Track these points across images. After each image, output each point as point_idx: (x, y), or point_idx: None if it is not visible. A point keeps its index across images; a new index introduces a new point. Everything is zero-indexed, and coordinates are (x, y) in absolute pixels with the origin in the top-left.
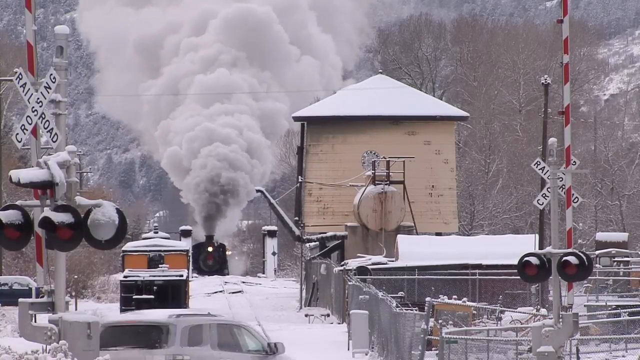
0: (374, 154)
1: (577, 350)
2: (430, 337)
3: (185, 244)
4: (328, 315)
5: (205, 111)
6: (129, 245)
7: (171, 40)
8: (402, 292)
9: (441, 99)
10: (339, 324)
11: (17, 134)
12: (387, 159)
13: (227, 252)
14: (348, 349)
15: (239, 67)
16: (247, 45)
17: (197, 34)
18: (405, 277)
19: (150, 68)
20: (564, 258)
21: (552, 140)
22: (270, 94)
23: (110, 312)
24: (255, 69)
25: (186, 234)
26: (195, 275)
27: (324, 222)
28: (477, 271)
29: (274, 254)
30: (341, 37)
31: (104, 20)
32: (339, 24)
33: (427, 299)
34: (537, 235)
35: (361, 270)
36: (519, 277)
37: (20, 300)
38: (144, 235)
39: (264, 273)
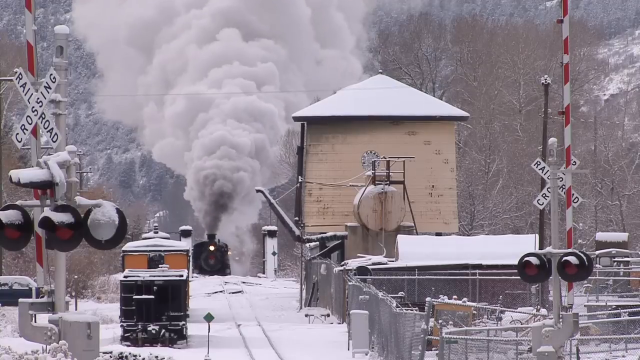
0: (374, 154)
1: (577, 350)
2: (430, 337)
3: (185, 244)
4: (328, 315)
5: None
6: (129, 245)
7: (167, 31)
8: (402, 292)
9: (441, 99)
10: (339, 324)
11: (17, 134)
12: (387, 159)
13: (228, 252)
14: (348, 349)
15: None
16: (264, 23)
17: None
18: (405, 277)
19: (148, 62)
20: (564, 258)
21: (552, 140)
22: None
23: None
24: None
25: (186, 234)
26: (195, 275)
27: (324, 222)
28: (477, 271)
29: (274, 254)
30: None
31: (99, 14)
32: (349, 24)
33: (427, 299)
34: (537, 235)
35: (361, 270)
36: (519, 277)
37: (20, 300)
38: (144, 235)
39: (264, 273)
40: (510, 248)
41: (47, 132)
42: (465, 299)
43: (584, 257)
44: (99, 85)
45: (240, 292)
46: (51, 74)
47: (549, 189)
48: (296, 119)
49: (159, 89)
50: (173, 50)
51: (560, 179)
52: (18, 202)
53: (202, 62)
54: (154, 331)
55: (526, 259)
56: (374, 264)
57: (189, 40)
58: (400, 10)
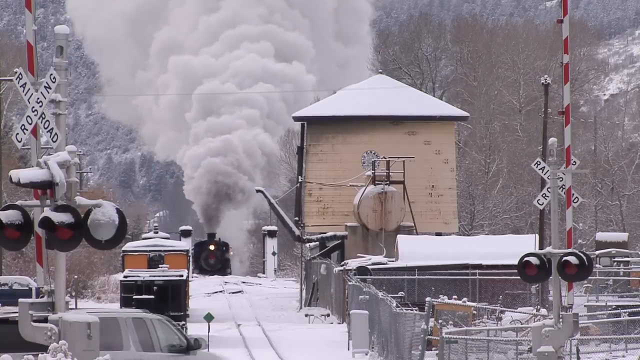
0: (374, 154)
1: (577, 350)
2: (430, 337)
3: (185, 244)
4: (328, 315)
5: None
6: (129, 245)
7: (165, 17)
8: (402, 292)
9: (441, 99)
10: (339, 324)
11: (17, 134)
12: (387, 159)
13: (230, 252)
14: (348, 349)
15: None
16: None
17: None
18: (405, 277)
19: (146, 57)
20: (564, 258)
21: (552, 140)
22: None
23: None
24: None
25: (186, 234)
26: (195, 275)
27: (324, 222)
28: (477, 271)
29: (274, 254)
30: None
31: (93, 9)
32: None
33: (427, 299)
34: (537, 235)
35: (361, 270)
36: (519, 277)
37: (20, 300)
38: (144, 235)
39: (264, 273)
40: (510, 248)
41: (47, 132)
42: (465, 299)
43: (584, 257)
44: (100, 85)
45: (240, 292)
46: (51, 74)
47: (549, 189)
48: (296, 119)
49: (159, 81)
50: (170, 32)
51: (560, 179)
52: (18, 202)
53: (204, 32)
54: None
55: (526, 259)
56: (374, 264)
57: (187, 15)
58: (400, 10)
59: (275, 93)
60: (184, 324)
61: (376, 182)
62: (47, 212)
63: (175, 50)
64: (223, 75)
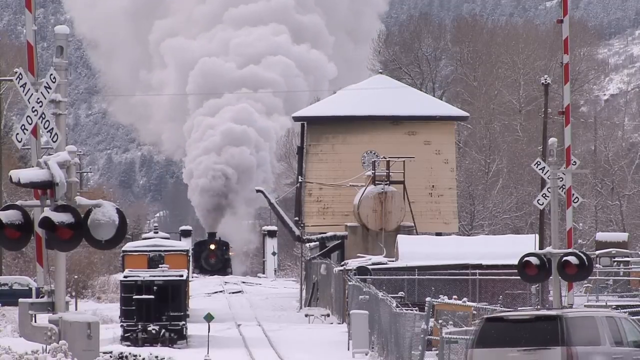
0: (374, 154)
1: None
2: (430, 337)
3: (185, 244)
4: (328, 315)
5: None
6: (129, 245)
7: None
8: (402, 292)
9: (441, 99)
10: (339, 324)
11: (17, 134)
12: (387, 159)
13: (230, 253)
14: (348, 349)
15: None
16: None
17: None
18: (405, 277)
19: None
20: (564, 258)
21: (552, 140)
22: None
23: None
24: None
25: (186, 234)
26: (195, 275)
27: (324, 222)
28: (477, 271)
29: (274, 254)
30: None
31: (90, 6)
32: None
33: (427, 299)
34: (537, 235)
35: (361, 270)
36: (519, 277)
37: (20, 300)
38: (144, 235)
39: (264, 273)
40: (510, 248)
41: (47, 132)
42: (465, 299)
43: (584, 257)
44: (101, 87)
45: (240, 292)
46: (51, 74)
47: (549, 189)
48: (296, 119)
49: (158, 75)
50: (168, 23)
51: (560, 179)
52: (18, 202)
53: (204, 18)
54: (154, 331)
55: (526, 259)
56: (374, 264)
57: (186, 6)
58: (400, 10)
59: (276, 92)
60: (184, 324)
61: (376, 182)
62: (47, 212)
63: (174, 43)
64: (228, 55)
